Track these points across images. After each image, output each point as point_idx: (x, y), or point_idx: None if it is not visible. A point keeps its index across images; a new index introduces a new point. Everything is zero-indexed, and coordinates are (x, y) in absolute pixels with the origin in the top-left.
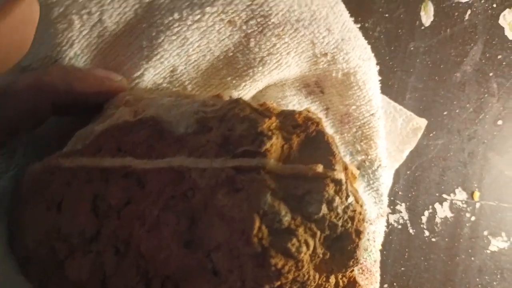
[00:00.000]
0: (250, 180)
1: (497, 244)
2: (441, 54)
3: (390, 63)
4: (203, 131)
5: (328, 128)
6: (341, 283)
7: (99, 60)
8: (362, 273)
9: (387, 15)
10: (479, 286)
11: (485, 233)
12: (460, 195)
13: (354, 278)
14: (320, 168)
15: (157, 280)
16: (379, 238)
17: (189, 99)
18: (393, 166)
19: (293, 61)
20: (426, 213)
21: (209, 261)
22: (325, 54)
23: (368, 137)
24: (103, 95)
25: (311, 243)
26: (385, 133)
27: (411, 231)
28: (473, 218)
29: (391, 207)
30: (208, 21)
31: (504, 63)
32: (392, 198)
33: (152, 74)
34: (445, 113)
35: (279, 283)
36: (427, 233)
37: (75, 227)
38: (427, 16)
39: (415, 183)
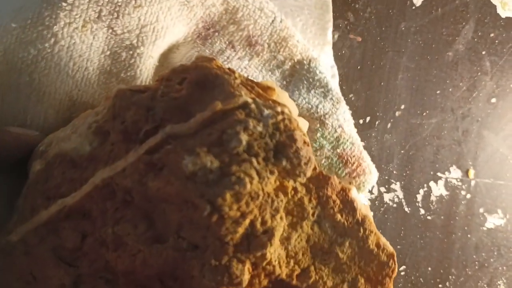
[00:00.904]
0: (165, 153)
1: (493, 221)
2: (432, 33)
3: (382, 43)
4: (104, 138)
5: (246, 60)
6: (334, 197)
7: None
8: (346, 164)
9: None
10: (476, 263)
11: (481, 210)
12: (455, 173)
13: (349, 191)
14: (218, 105)
15: (156, 282)
16: (348, 124)
17: (82, 119)
18: (326, 50)
19: (166, 21)
20: (421, 191)
21: (182, 240)
22: None
23: (283, 43)
24: (22, 149)
25: (251, 171)
26: (298, 29)
27: (406, 209)
28: (468, 196)
29: (386, 186)
30: (65, 38)
31: (496, 41)
32: (386, 177)
33: (54, 114)
34: (438, 92)
35: (247, 220)
36: (422, 211)
37: (55, 285)
38: None
39: (410, 162)
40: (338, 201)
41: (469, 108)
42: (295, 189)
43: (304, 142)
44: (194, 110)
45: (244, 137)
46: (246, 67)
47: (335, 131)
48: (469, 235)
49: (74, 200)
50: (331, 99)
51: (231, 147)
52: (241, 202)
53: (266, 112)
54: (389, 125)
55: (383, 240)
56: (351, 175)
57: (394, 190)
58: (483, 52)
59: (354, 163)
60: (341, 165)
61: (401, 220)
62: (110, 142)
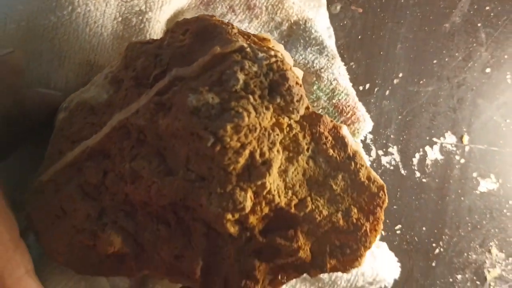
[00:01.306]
0: (172, 94)
1: (486, 185)
2: (430, 6)
3: (382, 15)
4: (119, 86)
5: (246, 22)
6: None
7: None
8: (341, 113)
9: None
10: (469, 224)
11: (474, 174)
12: (449, 139)
13: (340, 128)
14: (217, 49)
15: (170, 212)
16: (343, 78)
17: (99, 77)
18: (321, 13)
19: None
20: (417, 155)
21: (190, 173)
22: None
23: (279, 5)
24: (48, 107)
25: (249, 107)
26: None
27: (402, 172)
28: (462, 161)
29: (384, 149)
30: (81, 5)
31: (492, 14)
32: (384, 141)
33: (74, 77)
34: (434, 61)
35: (247, 151)
36: (418, 174)
37: (82, 216)
38: None
39: (407, 127)
40: (330, 138)
41: (464, 77)
42: (290, 126)
43: (297, 83)
44: (196, 56)
45: (241, 77)
46: (246, 29)
47: (331, 83)
48: (462, 198)
49: (95, 141)
50: (326, 55)
51: (230, 85)
52: (240, 133)
53: (261, 54)
54: (387, 92)
55: (373, 174)
56: (346, 123)
57: (391, 154)
58: (479, 24)
59: (349, 112)
60: (336, 114)
61: (398, 182)
62: (124, 88)
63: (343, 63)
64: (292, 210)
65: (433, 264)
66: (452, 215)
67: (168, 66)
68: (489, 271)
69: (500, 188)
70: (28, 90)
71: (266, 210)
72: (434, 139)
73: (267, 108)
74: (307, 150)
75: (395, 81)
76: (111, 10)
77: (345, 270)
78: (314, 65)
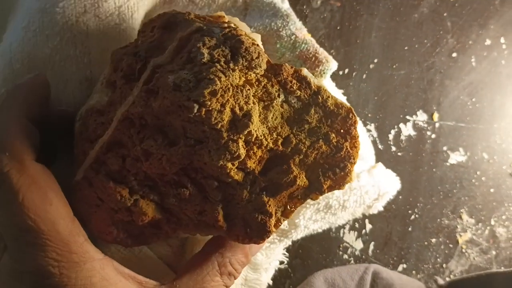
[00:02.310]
0: (156, 80)
1: (455, 158)
2: None
3: (357, 8)
4: (114, 87)
5: (206, 9)
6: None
7: None
8: (305, 61)
9: None
10: (441, 193)
11: (445, 148)
12: (421, 117)
13: (301, 71)
14: (180, 34)
15: (183, 176)
16: (300, 32)
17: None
18: None
19: None
20: (393, 131)
21: (189, 139)
22: None
23: None
24: (68, 122)
25: (218, 73)
26: None
27: (380, 147)
28: (433, 136)
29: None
30: (66, 32)
31: (457, 4)
32: (363, 120)
33: (79, 93)
34: (406, 48)
35: (228, 109)
36: (394, 148)
37: (116, 199)
38: None
39: (382, 107)
40: (294, 81)
41: (433, 61)
42: (258, 80)
43: (253, 43)
44: (167, 45)
45: (205, 51)
46: (208, 13)
47: (290, 38)
48: (434, 169)
49: (108, 136)
50: (281, 16)
51: (198, 60)
52: (217, 95)
53: (216, 29)
54: (364, 75)
55: (339, 100)
56: (312, 68)
57: (370, 130)
58: (445, 14)
59: (311, 58)
60: (302, 63)
61: (376, 156)
62: (118, 87)
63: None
64: (280, 148)
65: (410, 229)
66: (426, 184)
67: (146, 59)
68: (460, 235)
69: (469, 160)
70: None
71: (259, 153)
72: (407, 117)
73: (233, 70)
74: (278, 96)
75: (371, 66)
76: (92, 30)
77: (340, 187)
78: (272, 27)
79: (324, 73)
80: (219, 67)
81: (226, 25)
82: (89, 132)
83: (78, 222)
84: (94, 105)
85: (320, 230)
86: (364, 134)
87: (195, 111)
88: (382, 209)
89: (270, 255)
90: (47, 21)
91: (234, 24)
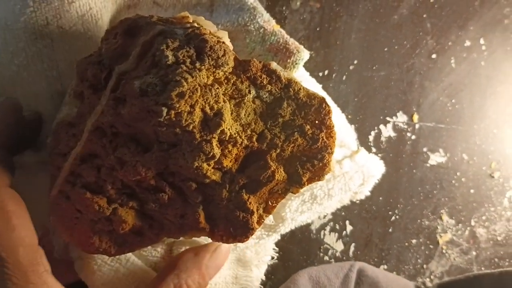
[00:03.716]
0: (122, 87)
1: (435, 159)
2: (380, 0)
3: (337, 9)
4: (82, 97)
5: (170, 10)
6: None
7: None
8: (276, 54)
9: None
10: (421, 194)
11: (425, 149)
12: (401, 118)
13: (270, 65)
14: (142, 39)
15: (160, 181)
16: (268, 24)
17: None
18: None
19: (97, 5)
20: (373, 133)
21: (162, 144)
22: None
23: None
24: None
25: (184, 74)
26: None
27: (358, 148)
28: (413, 137)
29: None
30: (31, 50)
31: (436, 6)
32: None
33: (51, 106)
34: (385, 49)
35: (198, 109)
36: (374, 149)
37: (94, 209)
38: None
39: (362, 108)
40: (264, 75)
41: (413, 62)
42: (226, 78)
43: (217, 41)
44: (130, 51)
45: (169, 53)
46: (174, 14)
47: (259, 32)
48: (414, 171)
49: (81, 147)
50: (248, 9)
51: (163, 63)
52: (185, 97)
53: (179, 30)
54: (344, 77)
55: (311, 91)
56: (284, 60)
57: None
58: (424, 15)
59: (282, 49)
60: (273, 56)
61: None
62: (86, 98)
63: None
64: (256, 144)
65: (390, 230)
66: (406, 185)
67: (111, 67)
68: (441, 236)
69: (448, 161)
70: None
71: (234, 151)
72: (387, 118)
73: (200, 70)
74: (249, 92)
75: (351, 67)
76: (58, 42)
77: (319, 178)
78: (239, 21)
79: (296, 63)
80: (185, 68)
81: (189, 25)
82: (61, 146)
83: (42, 251)
84: (64, 117)
85: (309, 221)
86: (343, 120)
87: (164, 114)
88: (369, 193)
89: (260, 251)
90: (10, 37)
91: (198, 24)
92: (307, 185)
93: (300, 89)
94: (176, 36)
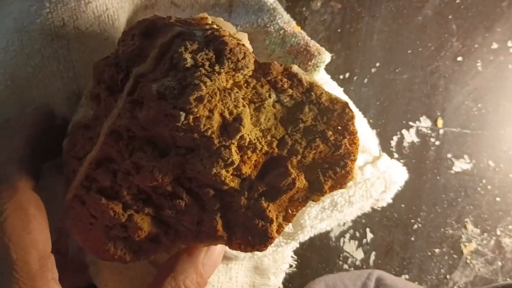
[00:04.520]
0: (140, 90)
1: (460, 165)
2: (403, 0)
3: (359, 9)
4: (98, 100)
5: (188, 10)
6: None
7: None
8: (297, 56)
9: None
10: (445, 202)
11: (449, 155)
12: (424, 123)
13: (291, 68)
14: (159, 41)
15: (177, 187)
16: (288, 25)
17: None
18: None
19: (114, 5)
20: (395, 138)
21: (180, 148)
22: None
23: None
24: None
25: (203, 77)
26: None
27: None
28: (437, 143)
29: None
30: (48, 52)
31: (462, 6)
32: None
33: (67, 109)
34: (409, 51)
35: (216, 114)
36: (396, 155)
37: (110, 215)
38: None
39: (384, 112)
40: (285, 79)
41: (437, 65)
42: (246, 82)
43: (237, 44)
44: (148, 53)
45: (187, 56)
46: (192, 15)
47: (279, 34)
48: (438, 177)
49: (96, 151)
50: (268, 10)
51: (181, 66)
52: (204, 101)
53: (198, 32)
54: (365, 80)
55: (334, 96)
56: (304, 63)
57: None
58: (450, 16)
59: (302, 51)
60: (293, 58)
61: None
62: (103, 100)
63: None
64: (276, 150)
65: (412, 238)
66: (429, 193)
67: (128, 69)
68: (465, 245)
69: (474, 168)
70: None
71: (254, 157)
72: (410, 123)
73: (219, 73)
74: (269, 96)
75: (373, 70)
76: (74, 43)
77: (342, 186)
78: (259, 23)
79: (317, 66)
80: (203, 71)
81: (208, 26)
82: (77, 149)
83: (53, 259)
84: (80, 120)
85: (328, 228)
86: (365, 125)
87: (182, 119)
88: (390, 200)
89: (278, 259)
90: (26, 39)
91: (218, 25)
92: (329, 193)
93: (322, 93)
94: (195, 38)
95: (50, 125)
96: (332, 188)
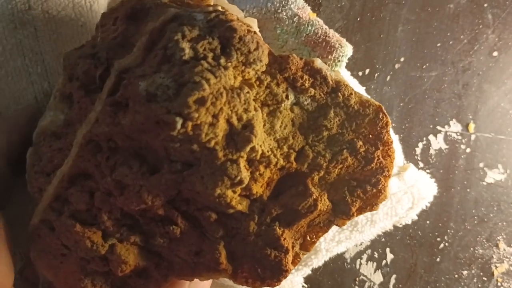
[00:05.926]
0: (123, 89)
1: (493, 176)
2: None
3: None
4: (70, 101)
5: None
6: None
7: None
8: (315, 48)
9: None
10: (476, 217)
11: (481, 165)
12: (454, 127)
13: (313, 63)
14: (149, 25)
15: (171, 211)
16: (303, 11)
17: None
18: None
19: None
20: (420, 145)
21: (175, 163)
22: None
23: None
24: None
25: (205, 73)
26: None
27: (405, 163)
28: (468, 150)
29: None
30: (9, 41)
31: None
32: None
33: (31, 116)
34: (438, 44)
35: (222, 120)
36: (421, 164)
37: (86, 246)
38: None
39: (409, 115)
40: (305, 76)
41: (470, 61)
42: (259, 79)
43: (248, 31)
44: (134, 41)
45: (185, 45)
46: None
47: (292, 21)
48: (468, 190)
49: (68, 166)
50: (292, 6)
51: (177, 58)
52: (207, 104)
53: (198, 15)
54: (388, 77)
55: (365, 97)
56: (323, 56)
57: None
58: (485, 5)
59: (321, 43)
60: (310, 50)
61: None
62: (76, 101)
63: None
64: (294, 164)
65: (438, 259)
66: (458, 207)
67: (109, 62)
68: (496, 267)
69: (508, 179)
70: None
71: (267, 174)
72: (438, 128)
73: (226, 68)
74: (287, 97)
75: (397, 65)
76: (43, 30)
77: (372, 208)
78: (269, 7)
79: (339, 61)
80: (206, 65)
81: (211, 8)
82: (44, 163)
83: None
84: (47, 126)
85: (344, 249)
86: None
87: (179, 127)
88: (416, 217)
89: (287, 287)
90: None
91: (222, 7)
92: (356, 216)
93: (351, 94)
94: (195, 22)
95: (24, 134)
96: (361, 210)
